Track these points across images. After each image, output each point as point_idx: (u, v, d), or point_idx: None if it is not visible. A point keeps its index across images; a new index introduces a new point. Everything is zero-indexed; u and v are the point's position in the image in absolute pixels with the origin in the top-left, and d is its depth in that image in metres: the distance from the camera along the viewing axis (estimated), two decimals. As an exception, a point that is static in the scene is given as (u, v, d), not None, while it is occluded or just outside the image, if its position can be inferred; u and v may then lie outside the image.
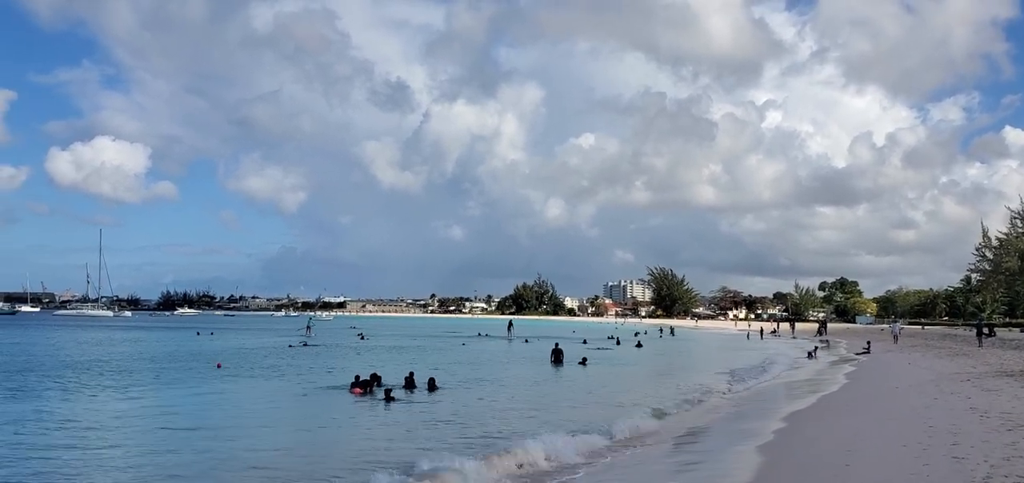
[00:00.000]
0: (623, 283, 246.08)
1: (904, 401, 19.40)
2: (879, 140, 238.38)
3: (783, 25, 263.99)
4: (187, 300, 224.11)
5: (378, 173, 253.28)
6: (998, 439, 12.77)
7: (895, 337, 54.83)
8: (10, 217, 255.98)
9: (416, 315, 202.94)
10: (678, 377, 30.69)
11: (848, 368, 33.90)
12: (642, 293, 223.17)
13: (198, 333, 67.85)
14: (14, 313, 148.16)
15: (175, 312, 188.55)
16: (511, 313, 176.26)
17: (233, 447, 14.38)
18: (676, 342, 68.72)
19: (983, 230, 74.32)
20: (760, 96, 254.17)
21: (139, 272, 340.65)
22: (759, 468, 12.14)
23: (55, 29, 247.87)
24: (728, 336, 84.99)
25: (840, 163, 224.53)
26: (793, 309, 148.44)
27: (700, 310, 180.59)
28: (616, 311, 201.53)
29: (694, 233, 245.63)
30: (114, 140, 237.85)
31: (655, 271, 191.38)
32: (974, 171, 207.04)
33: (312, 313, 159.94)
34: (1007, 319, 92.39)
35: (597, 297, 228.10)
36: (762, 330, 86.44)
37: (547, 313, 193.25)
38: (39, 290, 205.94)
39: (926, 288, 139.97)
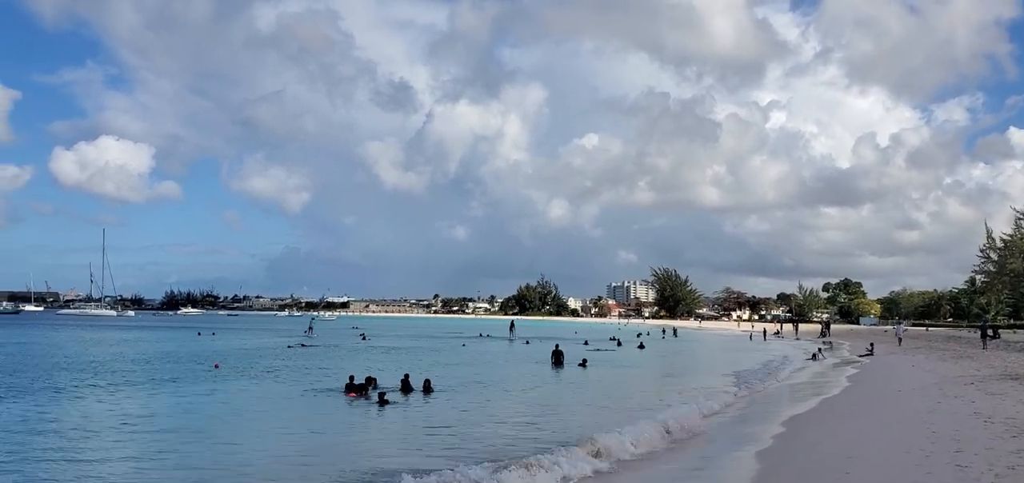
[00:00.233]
0: (627, 284, 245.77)
1: (907, 405, 19.08)
2: (883, 141, 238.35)
3: (787, 26, 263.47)
4: (191, 300, 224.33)
5: (381, 173, 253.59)
6: (1002, 446, 12.45)
7: (899, 339, 54.42)
8: (14, 217, 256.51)
9: (419, 315, 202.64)
10: (680, 380, 30.30)
11: (850, 370, 33.56)
12: (646, 294, 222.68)
13: (199, 333, 67.68)
14: (18, 312, 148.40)
15: (179, 312, 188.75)
16: (514, 314, 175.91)
17: (216, 451, 14.11)
18: (679, 343, 68.36)
19: (987, 231, 73.95)
20: (764, 97, 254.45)
21: (143, 272, 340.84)
22: (756, 476, 11.85)
23: (59, 29, 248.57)
24: (731, 337, 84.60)
25: (844, 164, 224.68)
26: (797, 310, 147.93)
27: (704, 311, 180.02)
28: (619, 312, 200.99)
29: (698, 234, 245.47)
30: (118, 140, 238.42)
31: (659, 272, 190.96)
32: (978, 172, 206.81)
33: (314, 313, 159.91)
34: (1012, 321, 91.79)
35: (600, 298, 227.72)
36: (765, 331, 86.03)
37: (550, 314, 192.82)
38: (43, 290, 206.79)
39: (930, 289, 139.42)
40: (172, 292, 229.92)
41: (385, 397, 20.36)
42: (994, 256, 72.67)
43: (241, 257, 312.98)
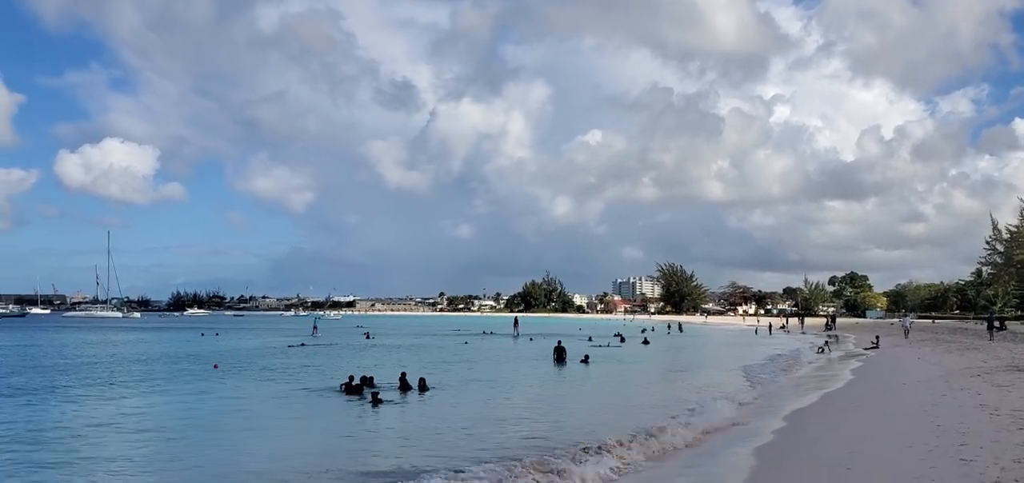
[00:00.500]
0: (632, 280, 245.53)
1: (911, 398, 18.82)
2: (887, 133, 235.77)
3: (789, 19, 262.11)
4: (197, 301, 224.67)
5: (385, 172, 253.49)
6: (1009, 439, 12.19)
7: (906, 331, 54.04)
8: (20, 220, 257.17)
9: (425, 314, 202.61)
10: (686, 376, 29.95)
11: (855, 363, 33.26)
12: (651, 289, 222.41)
13: (202, 334, 67.64)
14: (24, 315, 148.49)
15: (185, 313, 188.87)
16: (520, 311, 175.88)
17: (200, 453, 13.86)
18: (684, 339, 68.02)
19: (993, 223, 73.51)
20: (767, 91, 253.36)
21: (148, 273, 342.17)
22: (752, 473, 11.59)
23: (61, 31, 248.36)
24: (737, 332, 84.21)
25: (848, 157, 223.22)
26: (803, 304, 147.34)
27: (709, 306, 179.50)
28: (625, 308, 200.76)
29: (703, 229, 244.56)
30: (122, 142, 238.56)
31: (664, 267, 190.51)
32: (984, 163, 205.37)
33: (319, 313, 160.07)
34: (1018, 312, 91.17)
35: (606, 294, 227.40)
36: (771, 326, 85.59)
37: (556, 311, 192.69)
38: (50, 292, 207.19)
39: (937, 281, 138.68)
40: (178, 293, 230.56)
41: (379, 396, 20.03)
42: (1000, 248, 72.26)
43: (246, 257, 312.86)
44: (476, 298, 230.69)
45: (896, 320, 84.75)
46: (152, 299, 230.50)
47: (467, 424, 16.92)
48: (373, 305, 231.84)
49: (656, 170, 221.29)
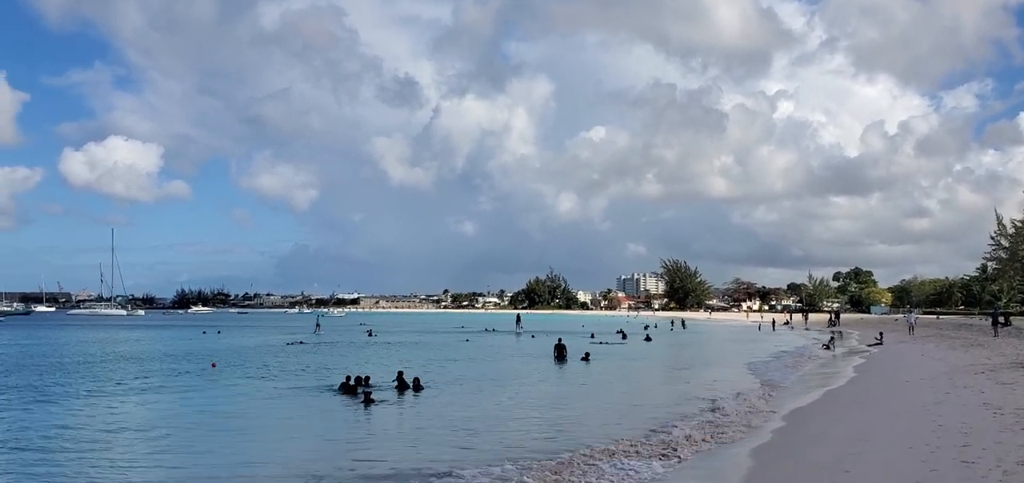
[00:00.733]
0: (636, 276, 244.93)
1: (914, 396, 18.54)
2: (891, 129, 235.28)
3: (792, 15, 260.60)
4: (202, 298, 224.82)
5: (388, 169, 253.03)
6: (1012, 440, 11.93)
7: (910, 327, 53.66)
8: (25, 218, 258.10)
9: (428, 311, 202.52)
10: (689, 374, 29.44)
11: (858, 360, 32.90)
12: (655, 286, 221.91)
13: (204, 332, 67.55)
14: (29, 313, 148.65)
15: (189, 311, 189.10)
16: (523, 308, 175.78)
17: (175, 456, 13.58)
18: (687, 335, 67.76)
19: (998, 218, 73.06)
20: (771, 86, 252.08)
21: (153, 271, 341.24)
22: (747, 475, 11.32)
23: (64, 30, 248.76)
24: (740, 328, 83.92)
25: (852, 152, 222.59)
26: (807, 300, 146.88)
27: (713, 302, 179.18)
28: (629, 305, 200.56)
29: (706, 225, 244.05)
30: (127, 140, 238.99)
31: (668, 263, 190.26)
32: (988, 158, 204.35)
33: (322, 310, 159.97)
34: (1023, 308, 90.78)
35: (610, 291, 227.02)
36: (774, 322, 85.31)
37: (560, 307, 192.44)
38: (55, 290, 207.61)
39: (941, 277, 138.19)
40: (183, 291, 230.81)
41: (371, 396, 19.65)
42: (1005, 243, 71.81)
43: (251, 255, 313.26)
44: (480, 295, 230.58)
45: (900, 316, 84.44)
46: (157, 297, 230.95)
47: (457, 425, 16.50)
48: (377, 302, 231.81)
49: (659, 166, 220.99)
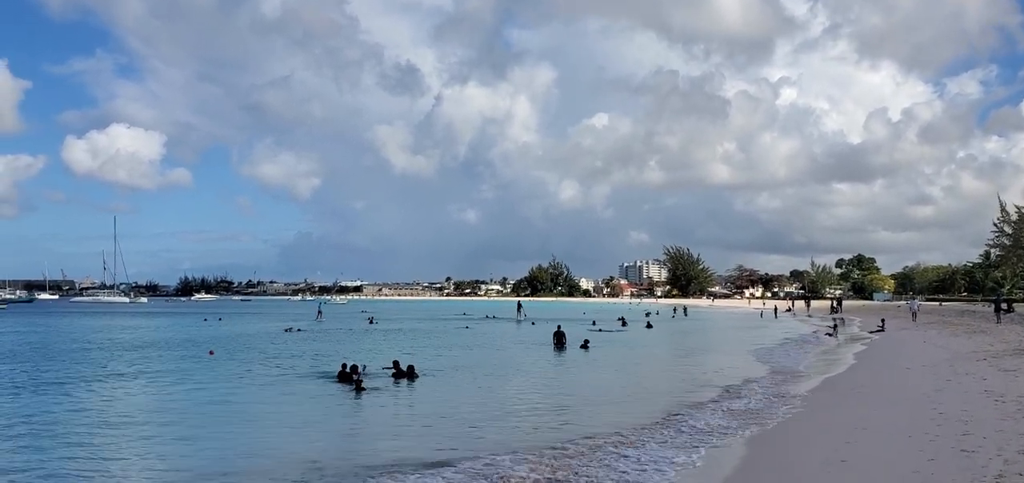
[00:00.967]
0: (639, 264, 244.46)
1: (914, 384, 18.34)
2: (895, 115, 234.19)
3: (795, 1, 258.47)
4: (205, 286, 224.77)
5: (390, 157, 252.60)
6: (1013, 428, 11.72)
7: (913, 314, 53.37)
8: (28, 205, 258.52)
9: (431, 298, 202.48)
10: (688, 363, 29.18)
11: (859, 347, 32.67)
12: (658, 273, 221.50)
13: (206, 319, 67.45)
14: (32, 301, 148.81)
15: (192, 298, 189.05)
16: (526, 295, 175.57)
17: (151, 445, 13.32)
18: (689, 322, 67.51)
19: (1001, 204, 72.67)
20: (774, 73, 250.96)
21: (157, 258, 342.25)
22: (740, 464, 11.10)
23: (66, 19, 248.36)
24: (743, 315, 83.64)
25: (855, 139, 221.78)
26: (810, 287, 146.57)
27: (716, 289, 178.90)
28: (631, 292, 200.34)
29: (709, 212, 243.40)
30: (129, 128, 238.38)
31: (671, 251, 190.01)
32: (992, 145, 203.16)
33: (325, 297, 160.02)
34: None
35: (612, 278, 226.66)
36: (776, 309, 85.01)
37: (562, 295, 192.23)
38: (59, 278, 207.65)
39: (944, 264, 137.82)
40: (186, 278, 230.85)
41: (363, 384, 19.29)
42: (1008, 229, 71.48)
43: (254, 243, 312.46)
44: (483, 283, 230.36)
45: (903, 303, 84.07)
46: (161, 284, 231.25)
47: (449, 414, 16.15)
48: (380, 290, 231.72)
49: (662, 153, 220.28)
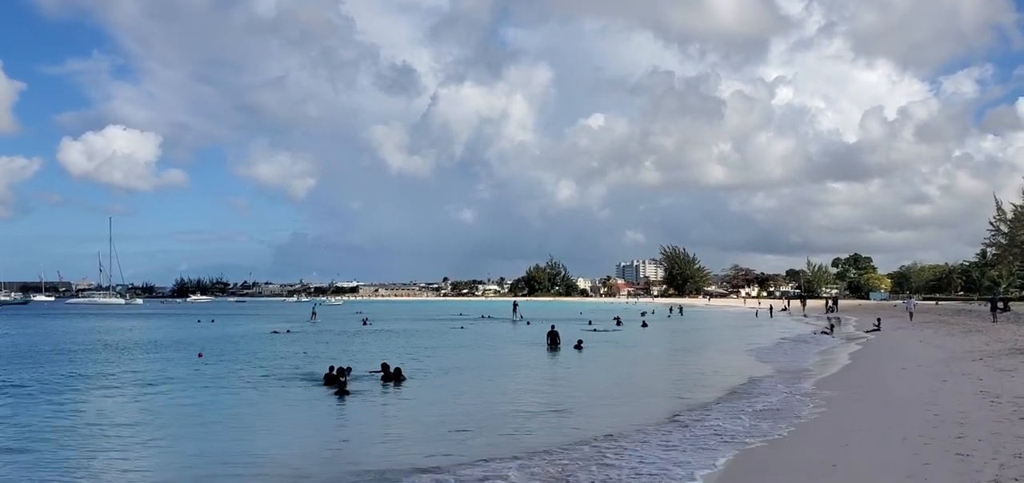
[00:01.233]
0: (635, 263, 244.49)
1: (909, 384, 18.07)
2: (890, 114, 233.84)
3: (790, 0, 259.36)
4: (200, 287, 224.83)
5: (387, 157, 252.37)
6: (1009, 430, 11.44)
7: (910, 313, 53.16)
8: (24, 207, 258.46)
9: (427, 298, 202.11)
10: (685, 363, 28.83)
11: (853, 347, 32.37)
12: (655, 273, 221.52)
13: (199, 320, 67.11)
14: (26, 303, 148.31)
15: (188, 299, 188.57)
16: (523, 295, 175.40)
17: (115, 452, 12.69)
18: (684, 322, 67.23)
19: (997, 203, 72.49)
20: (769, 73, 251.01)
21: (154, 260, 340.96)
22: (725, 468, 10.78)
23: (61, 20, 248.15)
24: (738, 314, 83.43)
25: (851, 138, 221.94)
26: (806, 286, 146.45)
27: (712, 289, 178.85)
28: (628, 291, 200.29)
29: (705, 212, 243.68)
30: (125, 129, 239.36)
31: (667, 250, 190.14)
32: (988, 144, 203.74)
33: (320, 298, 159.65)
34: (1023, 293, 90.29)
35: (609, 278, 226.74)
36: (771, 308, 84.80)
37: (559, 294, 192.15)
38: (55, 279, 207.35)
39: (941, 263, 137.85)
40: (182, 280, 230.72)
41: (347, 387, 18.81)
42: (1004, 228, 71.25)
43: (250, 243, 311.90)
44: (480, 283, 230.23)
45: (900, 302, 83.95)
46: (157, 285, 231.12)
47: (433, 418, 15.68)
48: (376, 290, 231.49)
49: (658, 153, 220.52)
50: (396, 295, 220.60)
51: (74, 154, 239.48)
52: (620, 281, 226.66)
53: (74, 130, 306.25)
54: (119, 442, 13.52)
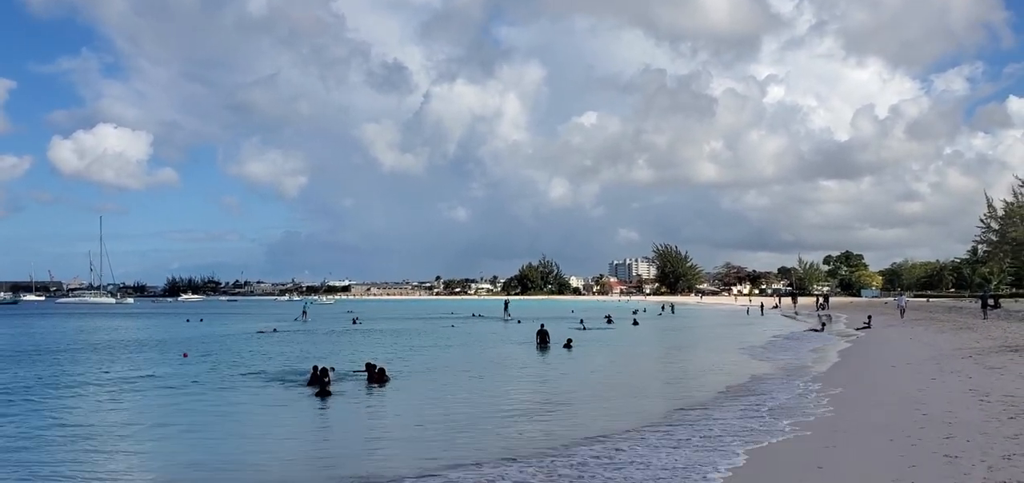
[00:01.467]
0: (628, 261, 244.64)
1: (898, 383, 17.85)
2: (882, 112, 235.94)
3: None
4: (192, 286, 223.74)
5: (379, 155, 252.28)
6: (998, 430, 11.22)
7: (901, 310, 53.11)
8: (15, 206, 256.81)
9: (419, 297, 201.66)
10: (677, 362, 28.58)
11: (843, 344, 32.19)
12: (647, 271, 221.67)
13: (188, 320, 66.65)
14: (16, 302, 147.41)
15: (179, 298, 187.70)
16: (516, 293, 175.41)
17: (86, 456, 12.29)
18: (676, 320, 67.12)
19: (988, 200, 72.54)
20: (761, 71, 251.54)
21: (146, 259, 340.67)
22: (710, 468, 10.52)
23: (51, 17, 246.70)
24: (730, 312, 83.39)
25: (843, 136, 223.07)
26: (798, 283, 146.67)
27: (705, 286, 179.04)
28: (621, 289, 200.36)
29: (697, 210, 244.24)
30: (116, 128, 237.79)
31: (659, 248, 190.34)
32: (978, 141, 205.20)
33: (311, 297, 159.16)
34: (1014, 290, 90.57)
35: (602, 276, 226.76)
36: (763, 306, 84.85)
37: (552, 293, 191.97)
38: (46, 278, 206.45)
39: (932, 260, 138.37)
40: (173, 279, 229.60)
41: (328, 388, 18.40)
42: (995, 225, 71.27)
43: (242, 242, 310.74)
44: (473, 282, 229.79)
45: (891, 299, 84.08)
46: (149, 285, 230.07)
47: (414, 421, 15.29)
48: (368, 289, 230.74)
49: (650, 152, 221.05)
50: (388, 294, 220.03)
51: (65, 153, 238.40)
52: (613, 279, 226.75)
53: (65, 128, 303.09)
54: (78, 449, 12.84)
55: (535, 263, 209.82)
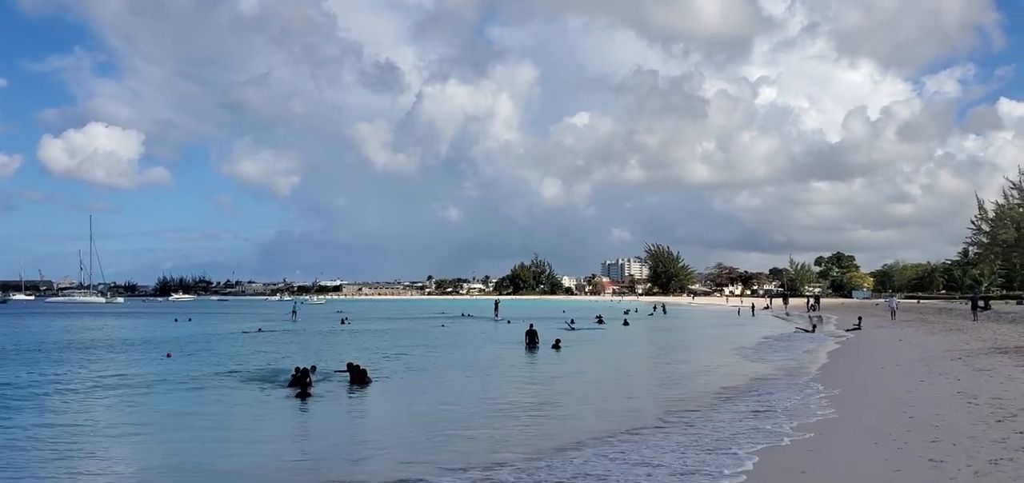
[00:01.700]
0: (620, 261, 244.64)
1: (886, 385, 17.67)
2: (873, 114, 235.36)
3: (773, 0, 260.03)
4: (183, 286, 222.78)
5: (371, 155, 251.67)
6: (986, 434, 11.03)
7: (892, 312, 53.02)
8: (6, 205, 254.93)
9: (411, 297, 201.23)
10: (668, 363, 28.26)
11: (832, 346, 32.01)
12: (640, 271, 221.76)
13: (176, 319, 66.17)
14: (5, 301, 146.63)
15: (170, 298, 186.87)
16: (508, 293, 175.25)
17: (56, 459, 11.93)
18: (667, 320, 66.93)
19: (979, 202, 72.65)
20: (752, 72, 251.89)
21: (138, 258, 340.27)
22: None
23: (42, 15, 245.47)
24: (721, 313, 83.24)
25: (834, 138, 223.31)
26: (789, 284, 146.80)
27: (696, 287, 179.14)
28: (613, 289, 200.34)
29: (689, 211, 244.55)
30: (107, 127, 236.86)
31: (651, 248, 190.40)
32: (970, 143, 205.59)
33: (302, 297, 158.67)
34: (1004, 291, 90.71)
35: (594, 276, 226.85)
36: (754, 306, 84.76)
37: (545, 293, 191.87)
38: (36, 277, 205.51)
39: (923, 261, 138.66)
40: (165, 278, 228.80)
41: (309, 390, 18.06)
42: (986, 227, 71.39)
43: (234, 242, 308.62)
44: (465, 281, 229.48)
45: (882, 300, 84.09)
46: (140, 284, 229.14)
47: (392, 423, 15.05)
48: (360, 289, 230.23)
49: (643, 152, 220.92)
50: (380, 294, 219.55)
51: (56, 151, 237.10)
52: (605, 279, 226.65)
53: (56, 127, 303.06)
54: (46, 453, 12.39)
55: (527, 263, 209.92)
